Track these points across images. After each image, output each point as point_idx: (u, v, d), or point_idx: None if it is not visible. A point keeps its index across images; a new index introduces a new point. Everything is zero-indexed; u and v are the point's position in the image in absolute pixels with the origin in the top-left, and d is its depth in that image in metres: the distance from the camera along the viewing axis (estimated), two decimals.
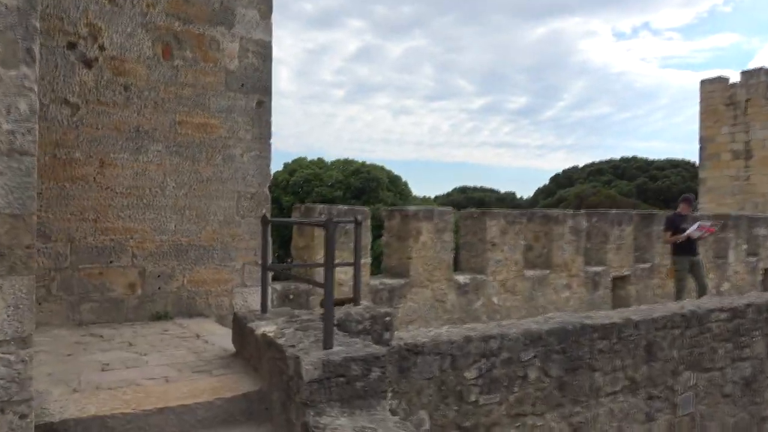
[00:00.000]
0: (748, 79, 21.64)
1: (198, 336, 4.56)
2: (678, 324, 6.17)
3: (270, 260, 4.54)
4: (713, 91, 22.40)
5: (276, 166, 33.07)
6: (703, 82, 22.80)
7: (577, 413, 5.34)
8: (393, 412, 3.58)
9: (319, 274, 6.79)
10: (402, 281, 7.62)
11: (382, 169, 32.61)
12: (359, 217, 4.14)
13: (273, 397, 3.20)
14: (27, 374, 2.16)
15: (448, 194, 50.45)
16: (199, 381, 3.39)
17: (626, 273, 10.13)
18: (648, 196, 41.30)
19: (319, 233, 6.97)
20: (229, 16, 5.41)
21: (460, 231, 8.89)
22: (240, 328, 3.88)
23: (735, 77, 22.06)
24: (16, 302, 2.15)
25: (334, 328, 3.26)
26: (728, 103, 22.06)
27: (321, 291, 3.26)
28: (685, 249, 9.06)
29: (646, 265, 10.49)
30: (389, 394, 3.69)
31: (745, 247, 12.10)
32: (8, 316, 2.12)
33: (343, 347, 3.11)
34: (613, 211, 10.67)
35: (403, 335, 4.58)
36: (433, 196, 48.06)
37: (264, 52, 5.61)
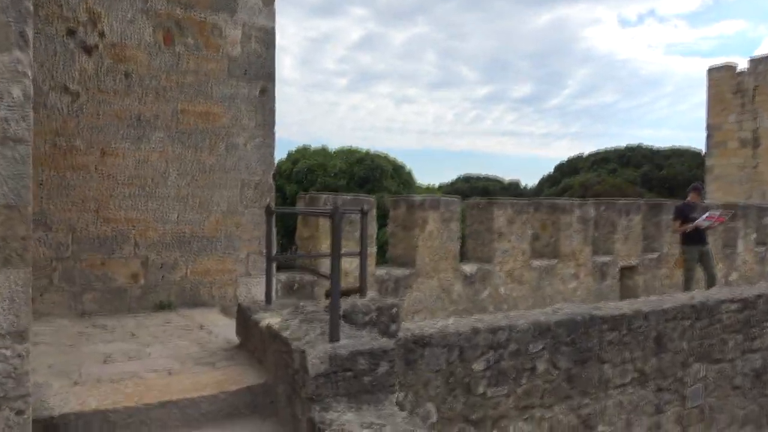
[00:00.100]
0: (756, 66, 21.40)
1: (201, 327, 4.50)
2: (688, 315, 6.07)
3: (274, 250, 4.46)
4: (721, 78, 22.19)
5: (279, 154, 32.91)
6: (711, 70, 22.59)
7: (585, 405, 5.26)
8: (400, 405, 3.51)
9: (324, 264, 6.73)
10: (408, 271, 7.53)
11: (386, 158, 32.42)
12: (365, 207, 4.06)
13: (278, 391, 3.13)
14: (24, 369, 2.09)
15: (452, 183, 50.21)
16: (203, 374, 3.33)
17: (634, 263, 10.02)
18: (653, 184, 41.04)
19: (324, 223, 6.88)
20: (232, 2, 5.30)
21: (466, 220, 8.79)
22: (244, 319, 3.81)
23: (743, 64, 21.83)
24: (11, 295, 2.07)
25: (340, 320, 3.18)
26: (736, 90, 21.85)
27: (326, 281, 3.19)
28: (694, 238, 8.94)
29: (654, 255, 10.38)
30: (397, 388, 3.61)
31: (754, 236, 11.97)
32: (3, 309, 2.05)
33: (350, 340, 3.04)
34: (622, 200, 10.54)
35: (410, 327, 4.50)
36: (437, 185, 47.88)
37: (267, 39, 5.50)
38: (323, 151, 33.57)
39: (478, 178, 50.92)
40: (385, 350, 2.95)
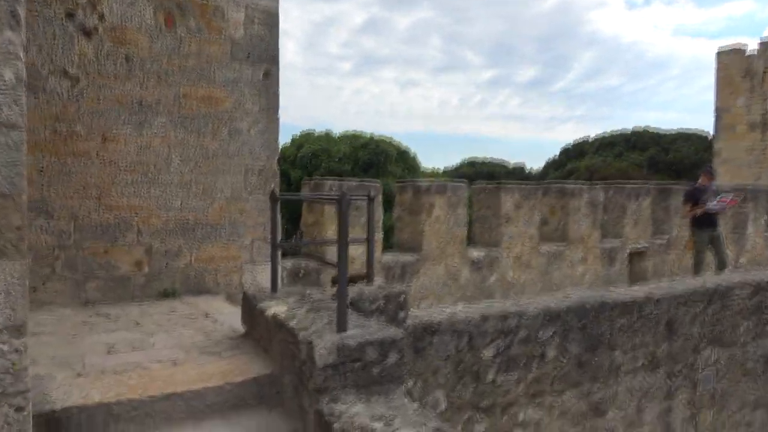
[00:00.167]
0: (765, 49, 21.10)
1: (206, 315, 4.43)
2: (699, 300, 5.99)
3: (279, 237, 4.38)
4: (730, 61, 21.89)
5: (284, 139, 32.74)
6: (720, 53, 22.29)
7: (596, 391, 5.20)
8: (409, 393, 3.45)
9: (330, 250, 6.66)
10: (414, 257, 7.45)
11: (390, 142, 32.23)
12: (372, 193, 3.96)
13: (284, 381, 3.06)
14: (22, 365, 2.02)
15: (457, 167, 49.99)
16: (208, 364, 3.26)
17: (643, 247, 9.91)
18: (659, 168, 40.75)
19: (330, 209, 6.80)
20: None
21: (473, 205, 8.69)
22: (249, 308, 3.74)
23: (752, 46, 21.52)
24: (7, 288, 1.99)
25: (348, 308, 3.10)
26: (745, 73, 21.57)
27: (332, 268, 3.11)
28: (704, 222, 8.81)
29: (664, 239, 10.27)
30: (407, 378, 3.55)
31: (764, 219, 11.83)
32: None
33: (358, 330, 2.96)
34: (631, 183, 10.41)
35: (418, 314, 4.43)
36: (441, 169, 47.67)
37: (270, 21, 5.37)
38: (327, 136, 33.40)
39: (483, 162, 50.68)
40: (395, 340, 2.87)
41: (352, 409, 2.62)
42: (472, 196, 8.71)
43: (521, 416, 4.74)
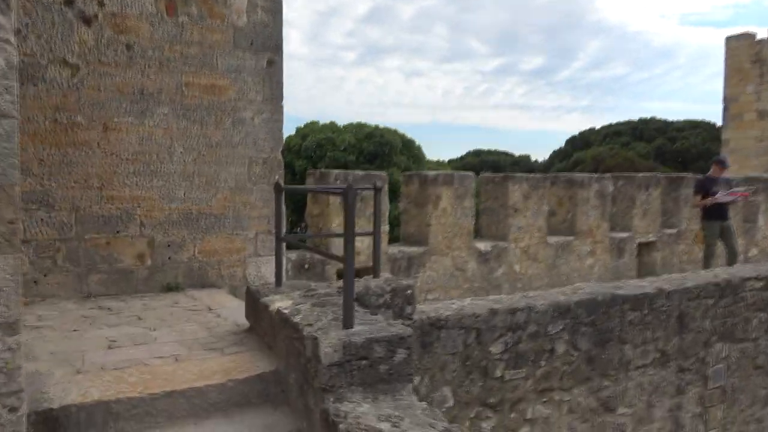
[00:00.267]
0: None
1: (210, 309, 4.35)
2: (711, 293, 5.87)
3: (284, 230, 4.29)
4: (739, 48, 21.57)
5: (288, 130, 32.60)
6: (729, 39, 21.97)
7: (605, 387, 5.10)
8: (415, 390, 3.36)
9: (335, 242, 6.56)
10: (421, 249, 7.35)
11: (395, 132, 32.04)
12: (379, 183, 3.86)
13: (289, 379, 2.98)
14: (16, 363, 1.94)
15: (462, 157, 49.78)
16: (211, 360, 3.18)
17: (652, 239, 9.78)
18: (666, 158, 40.44)
19: (335, 200, 6.70)
20: None
21: (480, 196, 8.57)
22: (253, 302, 3.65)
23: (761, 34, 21.21)
24: None
25: (354, 303, 3.00)
26: (754, 60, 21.26)
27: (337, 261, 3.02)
28: (715, 213, 8.66)
29: (673, 231, 10.13)
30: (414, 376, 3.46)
31: None
32: None
33: (365, 326, 2.87)
34: (640, 174, 10.26)
35: (426, 308, 4.34)
36: (446, 160, 47.47)
37: (274, 8, 5.25)
38: (332, 126, 33.25)
39: (489, 153, 50.46)
40: (402, 337, 2.78)
41: (359, 408, 2.53)
42: (479, 187, 8.60)
43: (530, 412, 4.66)
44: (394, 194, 9.45)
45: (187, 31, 4.89)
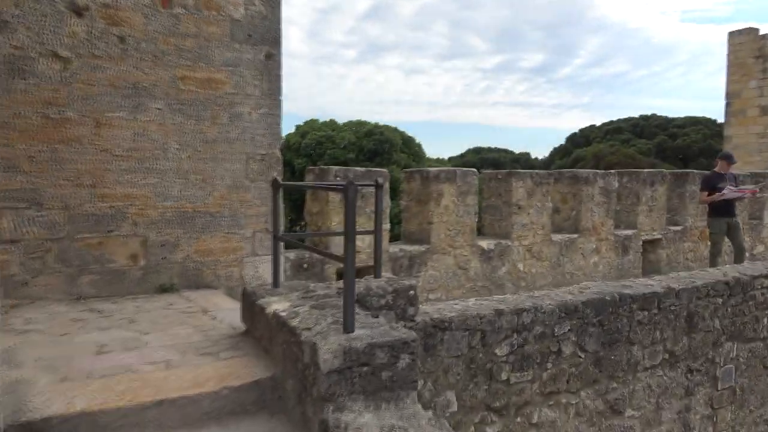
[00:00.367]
0: None
1: (205, 311, 4.20)
2: (720, 292, 5.73)
3: (282, 228, 4.14)
4: (742, 42, 21.38)
5: (288, 128, 32.51)
6: (732, 34, 21.79)
7: (613, 389, 4.96)
8: (418, 394, 3.22)
9: (335, 241, 6.41)
10: (423, 248, 7.19)
11: (395, 130, 31.89)
12: (380, 180, 3.70)
13: (287, 386, 2.83)
14: None
15: (462, 155, 49.66)
16: (205, 366, 3.03)
17: (657, 236, 9.62)
18: (667, 155, 40.31)
19: (334, 197, 6.54)
20: None
21: (483, 193, 8.41)
22: (249, 304, 3.50)
23: (765, 29, 21.03)
24: None
25: (355, 305, 2.85)
26: (757, 55, 21.07)
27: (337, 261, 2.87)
28: (721, 210, 8.49)
29: (678, 228, 9.97)
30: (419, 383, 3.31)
31: None
32: None
33: (366, 330, 2.72)
34: (646, 170, 10.10)
35: (428, 309, 4.18)
36: (447, 158, 47.34)
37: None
38: (332, 124, 33.10)
39: (489, 150, 50.37)
40: (406, 342, 2.63)
41: (360, 419, 2.39)
42: (481, 184, 8.44)
43: (536, 416, 4.51)
44: (395, 192, 9.30)
45: (183, 23, 4.74)
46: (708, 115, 42.51)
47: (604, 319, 4.86)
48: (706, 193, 8.58)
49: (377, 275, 3.80)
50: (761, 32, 20.85)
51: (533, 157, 51.54)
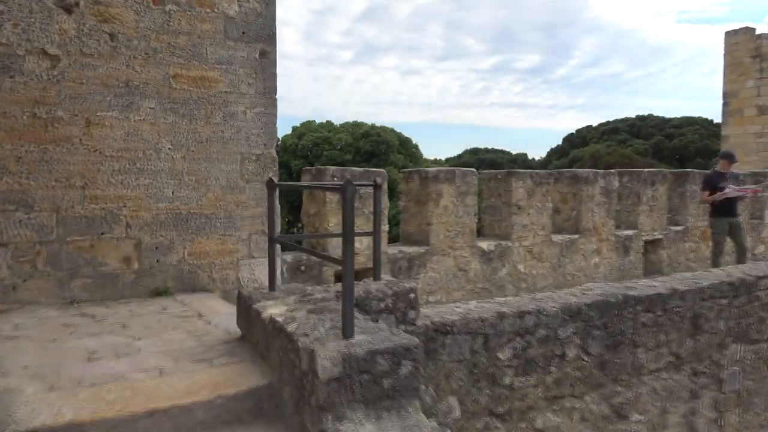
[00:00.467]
0: None
1: (200, 315, 4.08)
2: (725, 293, 5.63)
3: (278, 229, 4.02)
4: (738, 42, 21.36)
5: (284, 129, 32.42)
6: (728, 33, 21.77)
7: (618, 393, 4.85)
8: (420, 401, 3.10)
9: (332, 242, 6.29)
10: (422, 249, 7.08)
11: (392, 131, 31.83)
12: (378, 180, 3.59)
13: (284, 394, 2.71)
14: None
15: (459, 156, 49.61)
16: (198, 373, 2.91)
17: (658, 236, 9.52)
18: (664, 155, 40.31)
19: (332, 198, 6.43)
20: None
21: (482, 194, 8.30)
22: (245, 308, 3.39)
23: (761, 29, 21.01)
24: None
25: (354, 310, 2.74)
26: (754, 55, 21.04)
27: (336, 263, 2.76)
28: (723, 210, 8.40)
29: (679, 228, 9.88)
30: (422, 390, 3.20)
31: None
32: None
33: (366, 335, 2.60)
34: (646, 170, 10.00)
35: (429, 313, 4.07)
36: (443, 159, 47.30)
37: None
38: (328, 125, 33.00)
39: (486, 151, 50.33)
40: (408, 348, 2.52)
41: (361, 429, 2.28)
42: (481, 184, 8.33)
43: (540, 422, 4.40)
44: (392, 193, 9.19)
45: (175, 20, 4.63)
46: (704, 115, 42.57)
47: (609, 321, 4.76)
48: (708, 192, 8.49)
49: (376, 278, 3.69)
50: (758, 32, 20.83)
51: (530, 157, 51.52)
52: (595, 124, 49.00)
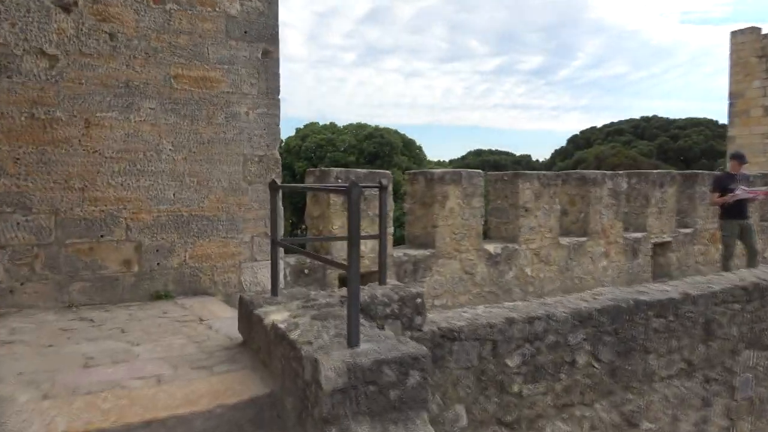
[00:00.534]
0: None
1: (201, 320, 3.99)
2: (738, 298, 5.50)
3: (281, 232, 3.93)
4: (744, 42, 21.20)
5: (288, 131, 32.37)
6: (734, 33, 21.61)
7: (629, 401, 4.73)
8: (428, 413, 3.00)
9: (336, 246, 6.19)
10: (427, 252, 6.96)
11: (395, 133, 31.74)
12: (384, 181, 3.49)
13: (286, 404, 2.61)
14: None
15: (463, 157, 49.46)
16: (198, 381, 2.81)
17: (667, 239, 9.38)
18: (669, 156, 40.11)
19: (336, 200, 6.32)
20: None
21: (488, 196, 8.18)
22: (247, 314, 3.29)
23: (767, 29, 20.84)
24: None
25: (359, 316, 2.63)
26: (760, 55, 20.88)
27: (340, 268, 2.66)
28: (733, 212, 8.25)
29: (688, 230, 9.74)
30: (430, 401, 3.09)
31: None
32: None
33: (372, 344, 2.50)
34: (655, 171, 9.87)
35: (436, 318, 3.96)
36: (447, 160, 47.19)
37: None
38: (332, 127, 32.94)
39: (490, 152, 50.15)
40: (416, 357, 2.42)
41: None
42: (487, 186, 8.21)
43: (549, 430, 4.28)
44: (396, 194, 9.08)
45: (176, 19, 4.54)
46: (709, 116, 42.34)
47: (620, 327, 4.63)
48: (717, 194, 8.36)
49: (382, 282, 3.59)
50: (764, 31, 20.67)
51: (534, 159, 51.35)
52: (599, 126, 48.82)
